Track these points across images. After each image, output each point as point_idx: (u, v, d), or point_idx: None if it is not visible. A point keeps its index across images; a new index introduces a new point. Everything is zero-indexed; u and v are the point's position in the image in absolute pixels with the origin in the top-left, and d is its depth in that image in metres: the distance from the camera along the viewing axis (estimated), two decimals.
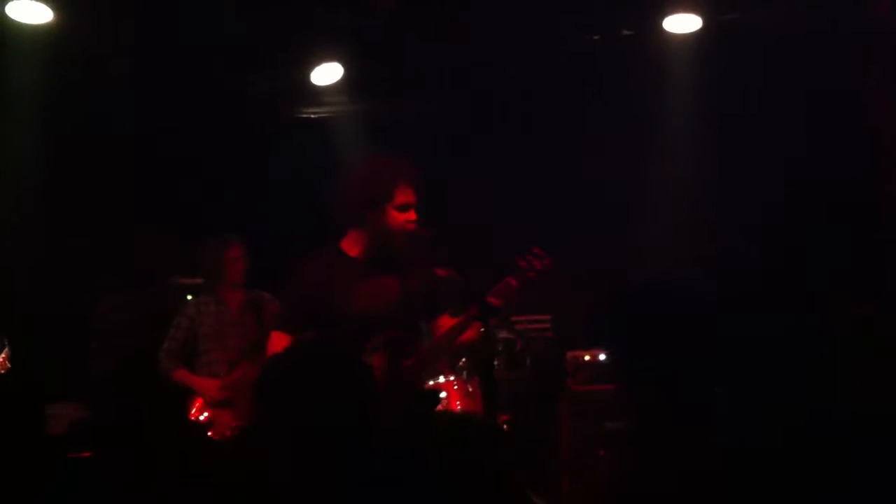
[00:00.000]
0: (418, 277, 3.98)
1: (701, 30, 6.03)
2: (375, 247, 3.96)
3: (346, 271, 3.92)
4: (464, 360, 5.64)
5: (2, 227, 5.88)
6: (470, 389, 5.56)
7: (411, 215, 3.91)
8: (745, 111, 6.28)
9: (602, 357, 5.87)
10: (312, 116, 6.94)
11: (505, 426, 5.47)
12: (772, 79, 6.16)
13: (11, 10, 5.31)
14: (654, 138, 6.48)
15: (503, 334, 5.94)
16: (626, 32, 6.28)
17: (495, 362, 5.30)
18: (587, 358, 5.96)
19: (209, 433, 5.32)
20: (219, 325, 5.50)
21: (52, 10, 5.35)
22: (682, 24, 6.03)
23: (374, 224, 3.91)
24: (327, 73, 6.32)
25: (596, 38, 6.32)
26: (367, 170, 3.98)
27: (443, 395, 5.55)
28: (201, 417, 5.37)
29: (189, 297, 6.00)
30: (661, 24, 6.04)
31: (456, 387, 5.53)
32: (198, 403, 5.41)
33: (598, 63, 6.41)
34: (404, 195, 3.89)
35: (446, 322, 4.08)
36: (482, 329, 3.76)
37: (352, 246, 3.99)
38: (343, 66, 6.28)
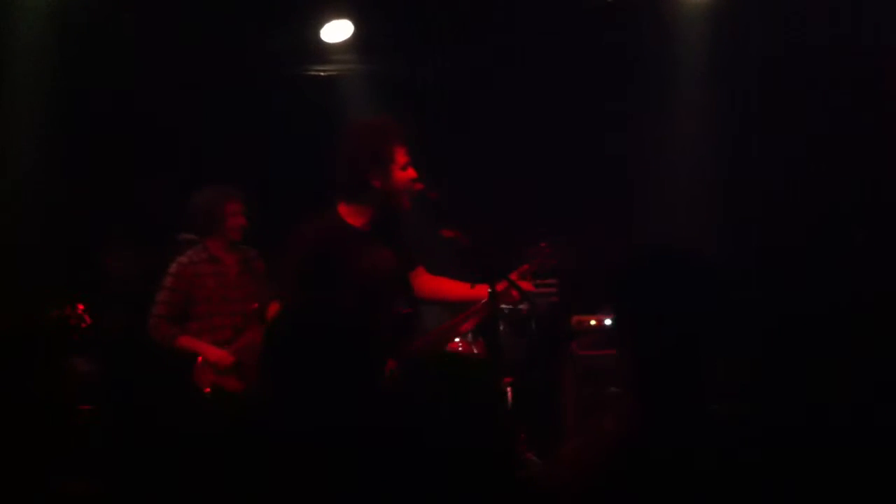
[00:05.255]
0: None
1: None
2: (379, 215, 3.92)
3: (351, 239, 3.87)
4: None
5: (7, 181, 5.87)
6: (475, 351, 5.57)
7: (413, 173, 3.89)
8: (760, 77, 6.22)
9: (607, 322, 5.86)
10: (322, 74, 6.89)
11: (509, 389, 5.49)
12: (787, 46, 6.09)
13: None
14: (666, 104, 6.43)
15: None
16: None
17: (500, 325, 5.29)
18: (592, 322, 5.96)
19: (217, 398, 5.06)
20: (219, 288, 5.17)
21: None
22: None
23: (378, 187, 3.86)
24: (337, 31, 6.27)
25: (610, 0, 6.26)
26: (363, 133, 3.93)
27: None
28: (208, 385, 5.09)
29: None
30: None
31: (461, 349, 5.55)
32: (204, 370, 5.10)
33: (613, 25, 6.34)
34: (402, 155, 3.88)
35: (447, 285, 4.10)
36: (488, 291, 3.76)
37: (351, 216, 3.92)
38: (353, 23, 6.23)
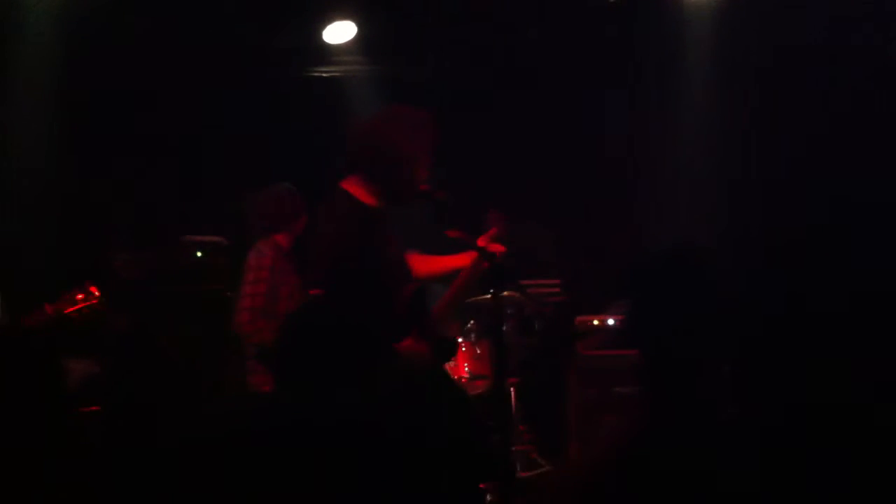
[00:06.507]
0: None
1: None
2: (387, 201, 3.68)
3: (367, 221, 3.60)
4: (472, 322, 5.64)
5: (12, 182, 5.87)
6: (478, 352, 5.58)
7: (425, 173, 3.70)
8: (763, 75, 6.23)
9: (611, 322, 5.86)
10: (324, 75, 6.89)
11: (513, 389, 5.49)
12: (787, 46, 6.10)
13: None
14: (667, 103, 6.44)
15: (514, 298, 5.92)
16: None
17: (504, 326, 5.28)
18: (596, 323, 5.95)
19: None
20: (294, 286, 4.84)
21: None
22: None
23: (398, 179, 3.63)
24: (340, 32, 6.28)
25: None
26: (415, 122, 3.65)
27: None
28: None
29: (199, 254, 5.69)
30: None
31: (464, 349, 5.55)
32: None
33: (615, 23, 6.36)
34: (425, 155, 3.66)
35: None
36: (492, 292, 3.72)
37: (361, 192, 3.64)
38: (356, 24, 6.24)
